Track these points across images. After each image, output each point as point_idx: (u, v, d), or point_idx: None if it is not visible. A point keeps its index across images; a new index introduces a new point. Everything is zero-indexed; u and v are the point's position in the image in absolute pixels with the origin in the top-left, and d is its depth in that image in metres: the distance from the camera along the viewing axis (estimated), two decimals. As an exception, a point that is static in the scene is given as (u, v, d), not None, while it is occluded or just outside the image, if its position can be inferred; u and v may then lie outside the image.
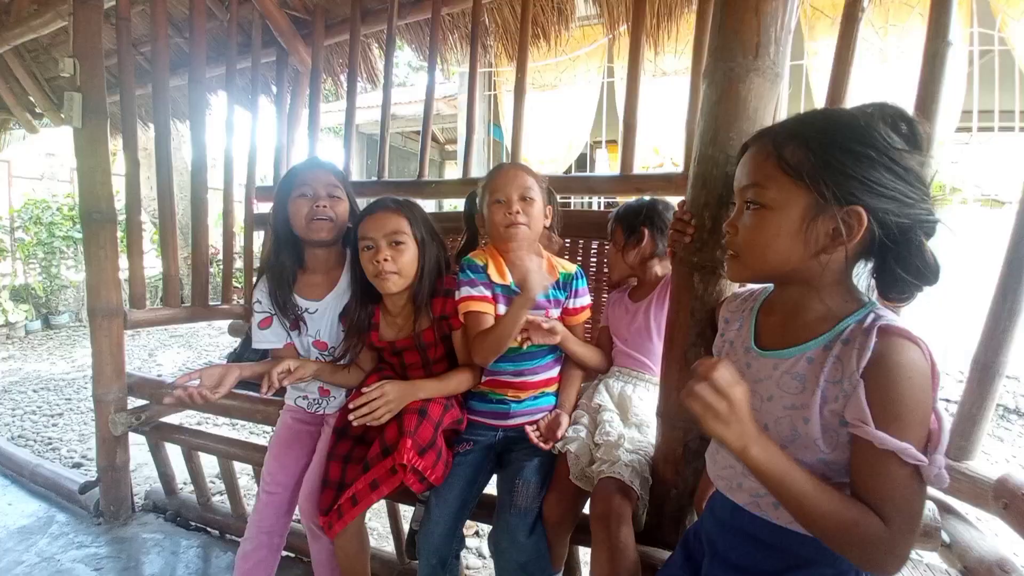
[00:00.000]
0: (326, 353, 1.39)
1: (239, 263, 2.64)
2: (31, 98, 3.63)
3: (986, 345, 1.11)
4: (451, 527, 1.20)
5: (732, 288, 0.97)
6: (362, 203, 1.47)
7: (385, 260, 1.19)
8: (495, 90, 5.52)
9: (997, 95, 3.83)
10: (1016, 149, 3.94)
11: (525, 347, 1.29)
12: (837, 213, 0.65)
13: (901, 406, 0.61)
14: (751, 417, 0.64)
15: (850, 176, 0.64)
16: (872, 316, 0.67)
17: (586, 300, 1.40)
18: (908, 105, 1.17)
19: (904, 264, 0.66)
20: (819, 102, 3.96)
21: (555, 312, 1.35)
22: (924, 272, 0.65)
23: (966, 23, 3.63)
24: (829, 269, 0.69)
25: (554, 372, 1.37)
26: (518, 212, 1.24)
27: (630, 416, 1.23)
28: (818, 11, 3.94)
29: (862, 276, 0.72)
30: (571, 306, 1.37)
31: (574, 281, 1.36)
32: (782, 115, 1.51)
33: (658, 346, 1.29)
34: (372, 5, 2.34)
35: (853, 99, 1.40)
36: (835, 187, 0.64)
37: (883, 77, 3.68)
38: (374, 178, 2.29)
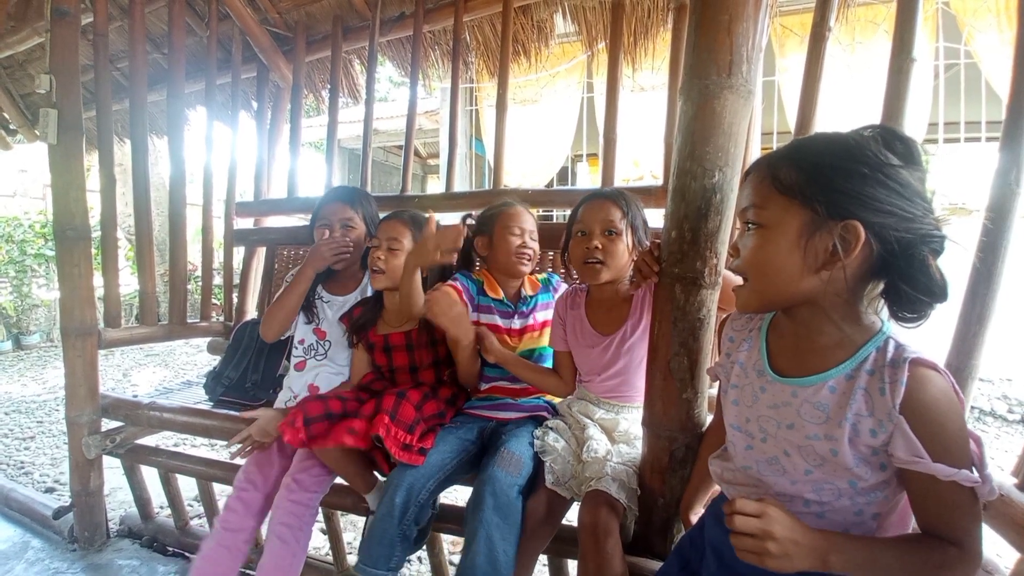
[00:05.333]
0: (321, 341, 1.58)
1: (218, 279, 2.60)
2: (5, 115, 3.55)
3: (957, 349, 1.14)
4: (433, 473, 1.17)
5: (713, 298, 0.99)
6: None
7: (378, 258, 1.38)
8: (476, 105, 5.57)
9: (963, 107, 3.97)
10: (982, 159, 4.10)
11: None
12: (834, 229, 0.66)
13: (947, 438, 0.63)
14: (806, 530, 0.63)
15: (842, 192, 0.65)
16: (893, 344, 0.68)
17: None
18: (874, 118, 1.22)
19: (910, 281, 0.66)
20: (791, 117, 4.08)
21: (518, 323, 1.41)
22: (931, 289, 0.65)
23: (932, 38, 3.78)
24: (833, 287, 0.69)
25: None
26: (525, 246, 1.39)
27: (616, 436, 1.22)
28: (788, 30, 4.07)
29: (873, 298, 0.72)
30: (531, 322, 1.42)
31: (538, 294, 1.46)
32: (756, 129, 1.56)
33: (641, 378, 1.16)
34: (354, 22, 2.35)
35: (823, 114, 1.45)
36: (828, 203, 0.66)
37: (852, 92, 3.81)
38: (357, 193, 2.28)
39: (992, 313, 1.11)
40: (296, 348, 1.61)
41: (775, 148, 0.75)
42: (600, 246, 1.18)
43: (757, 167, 0.74)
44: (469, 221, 1.48)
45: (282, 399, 1.57)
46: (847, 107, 3.70)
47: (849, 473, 0.69)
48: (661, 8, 1.98)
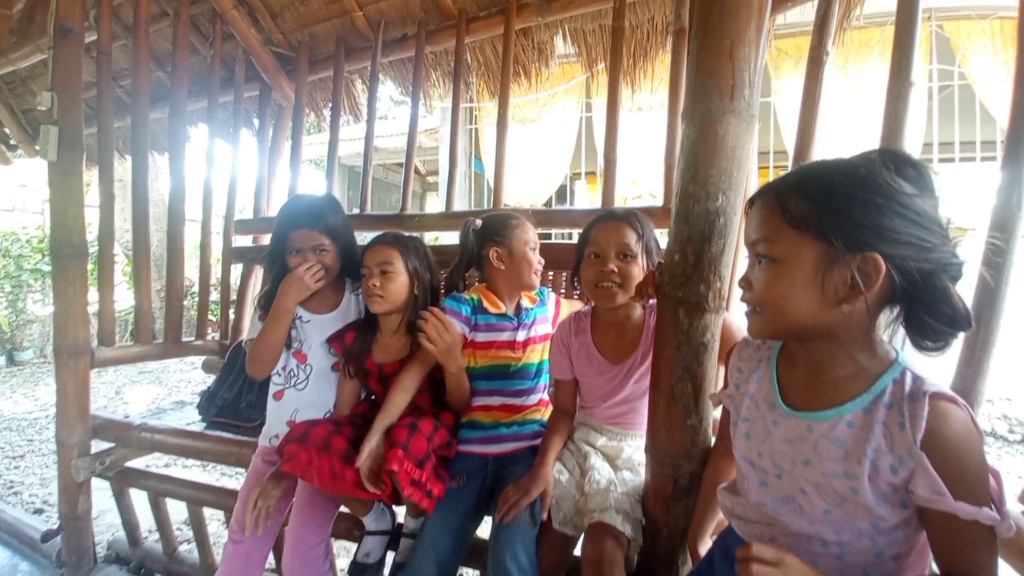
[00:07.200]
0: (302, 366, 1.47)
1: (215, 295, 2.58)
2: (6, 129, 3.57)
3: (962, 374, 1.12)
4: (451, 558, 1.14)
5: (717, 323, 0.98)
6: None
7: (374, 284, 1.35)
8: (476, 124, 5.63)
9: (957, 127, 4.03)
10: (977, 178, 4.13)
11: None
12: (851, 262, 0.64)
13: (969, 474, 0.62)
14: (817, 571, 0.61)
15: (858, 224, 0.63)
16: (910, 376, 0.66)
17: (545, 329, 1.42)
18: (871, 140, 1.23)
19: (932, 312, 0.64)
20: (787, 137, 4.12)
21: (522, 336, 1.37)
22: (954, 318, 0.63)
23: (925, 60, 3.85)
24: (854, 320, 0.67)
25: (544, 395, 1.42)
26: (540, 261, 1.38)
27: (619, 463, 1.18)
28: (783, 52, 4.14)
29: (888, 324, 0.70)
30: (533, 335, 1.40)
31: (536, 307, 1.43)
32: (753, 150, 1.57)
33: (647, 404, 1.15)
34: (356, 43, 2.38)
35: (821, 136, 1.46)
36: (844, 236, 0.63)
37: (847, 114, 3.86)
38: (356, 211, 2.28)
39: (997, 337, 1.10)
40: (276, 376, 1.48)
41: (772, 169, 0.73)
42: (616, 269, 1.14)
43: (763, 197, 0.72)
44: (473, 227, 1.42)
45: (264, 437, 1.48)
46: (843, 129, 3.74)
47: (870, 513, 0.66)
48: (660, 31, 2.00)
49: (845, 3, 1.72)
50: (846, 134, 3.70)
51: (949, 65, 3.96)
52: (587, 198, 6.53)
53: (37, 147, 1.99)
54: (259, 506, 1.27)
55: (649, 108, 4.28)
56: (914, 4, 1.26)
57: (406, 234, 1.46)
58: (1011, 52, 3.65)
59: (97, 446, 1.93)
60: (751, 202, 0.75)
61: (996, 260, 1.05)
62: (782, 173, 0.78)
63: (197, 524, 1.79)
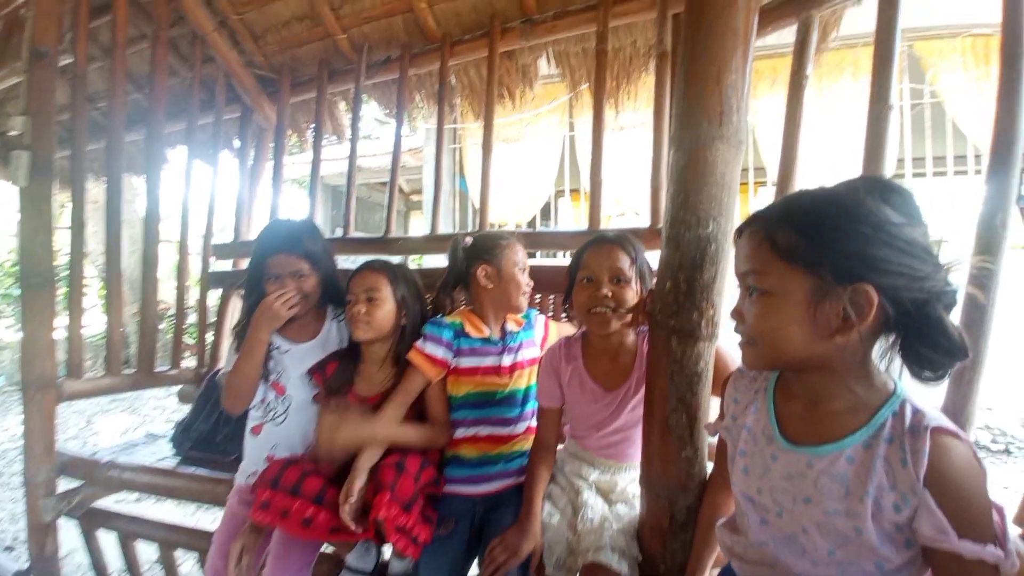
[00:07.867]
0: (281, 398, 1.41)
1: (193, 318, 2.50)
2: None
3: (952, 397, 1.12)
4: None
5: (710, 351, 0.96)
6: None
7: (359, 311, 1.31)
8: (460, 143, 5.64)
9: (929, 143, 4.14)
10: (949, 192, 4.23)
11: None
12: (843, 294, 0.62)
13: (972, 511, 0.60)
14: None
15: (847, 255, 0.62)
16: (910, 409, 0.64)
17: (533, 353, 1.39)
18: (847, 157, 1.24)
19: (928, 342, 0.63)
20: (765, 155, 4.21)
21: (507, 360, 1.32)
22: (951, 348, 0.62)
23: (897, 79, 3.97)
24: (848, 352, 0.66)
25: (532, 422, 1.36)
26: (528, 283, 1.36)
27: (613, 497, 1.14)
28: (759, 73, 4.25)
29: (884, 352, 0.69)
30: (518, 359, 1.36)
31: (522, 330, 1.39)
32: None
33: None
34: (339, 65, 2.36)
35: (802, 155, 1.48)
36: (833, 267, 0.63)
37: (824, 132, 3.95)
38: (340, 231, 2.25)
39: (985, 357, 1.10)
40: (254, 410, 1.42)
41: (752, 185, 0.72)
42: (610, 294, 1.11)
43: (751, 228, 0.71)
44: (463, 244, 1.38)
45: (241, 475, 1.41)
46: (821, 148, 3.82)
47: (875, 554, 0.64)
48: (643, 54, 2.02)
49: (823, 26, 1.75)
50: (824, 154, 3.79)
51: (920, 84, 4.08)
52: (571, 215, 6.58)
53: (7, 171, 1.93)
54: (243, 562, 1.20)
55: (631, 127, 4.33)
56: (892, 28, 1.28)
57: (396, 262, 1.42)
58: (983, 69, 3.77)
59: (67, 483, 1.82)
60: (739, 232, 0.74)
61: (983, 282, 1.05)
62: (766, 201, 0.77)
63: (168, 565, 1.69)
